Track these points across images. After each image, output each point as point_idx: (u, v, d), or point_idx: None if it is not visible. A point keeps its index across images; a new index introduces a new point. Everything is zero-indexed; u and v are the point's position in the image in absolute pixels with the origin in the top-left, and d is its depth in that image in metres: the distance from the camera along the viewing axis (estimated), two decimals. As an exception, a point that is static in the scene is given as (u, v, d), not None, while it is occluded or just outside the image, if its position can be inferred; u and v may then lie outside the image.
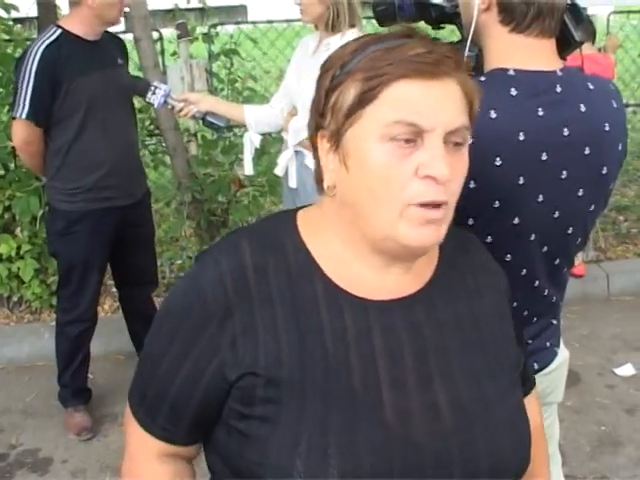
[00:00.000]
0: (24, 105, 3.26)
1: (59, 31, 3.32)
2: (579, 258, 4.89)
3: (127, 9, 3.93)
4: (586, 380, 3.97)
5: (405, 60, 1.05)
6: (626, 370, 4.01)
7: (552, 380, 1.93)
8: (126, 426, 1.26)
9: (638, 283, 4.94)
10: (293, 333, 1.10)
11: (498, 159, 1.53)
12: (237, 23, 5.14)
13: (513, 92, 1.54)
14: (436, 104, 1.05)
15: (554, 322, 1.91)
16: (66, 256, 3.55)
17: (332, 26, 3.22)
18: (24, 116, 3.29)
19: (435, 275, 1.21)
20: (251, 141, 3.56)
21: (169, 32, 5.16)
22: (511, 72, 1.56)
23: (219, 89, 4.89)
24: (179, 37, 4.61)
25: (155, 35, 4.73)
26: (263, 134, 3.66)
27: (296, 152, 3.39)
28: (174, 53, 4.88)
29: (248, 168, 3.65)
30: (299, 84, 3.31)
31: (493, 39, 1.62)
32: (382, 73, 1.05)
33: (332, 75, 1.10)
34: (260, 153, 4.21)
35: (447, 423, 1.11)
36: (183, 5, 5.18)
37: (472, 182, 1.53)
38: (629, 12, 6.27)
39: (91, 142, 3.39)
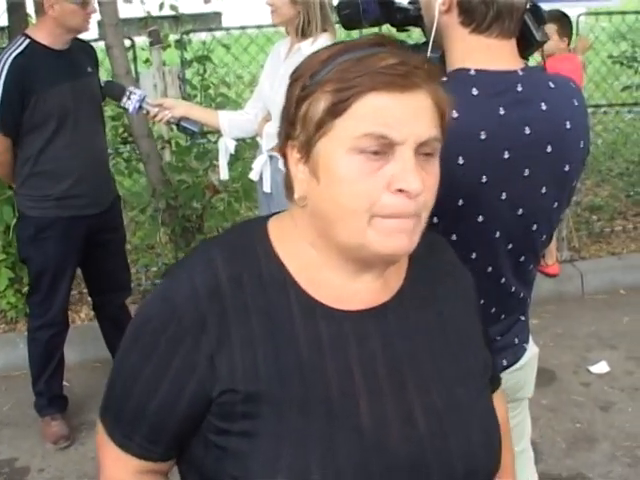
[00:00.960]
0: None
1: (27, 41, 3.34)
2: (553, 257, 4.94)
3: (99, 17, 3.94)
4: (561, 378, 4.01)
5: (375, 72, 1.04)
6: (600, 367, 4.05)
7: (522, 376, 1.96)
8: (100, 445, 1.24)
9: (612, 281, 4.99)
10: (269, 346, 1.10)
11: (460, 158, 1.55)
12: (210, 30, 5.14)
13: (474, 92, 1.56)
14: (407, 116, 1.05)
15: (522, 318, 1.94)
16: (36, 262, 3.56)
17: (302, 31, 3.23)
18: None
19: (405, 283, 1.22)
20: (226, 146, 3.57)
21: (142, 40, 5.16)
22: (472, 72, 1.58)
23: (192, 96, 4.90)
24: (151, 44, 4.61)
25: (128, 43, 4.73)
26: (238, 140, 3.67)
27: (270, 157, 3.41)
28: (147, 60, 4.88)
29: (223, 173, 3.67)
30: (272, 89, 3.33)
31: (454, 40, 1.64)
32: (352, 85, 1.04)
33: (302, 84, 1.09)
34: (234, 159, 4.22)
35: (422, 429, 1.12)
36: (156, 13, 5.19)
37: (436, 181, 1.56)
38: (597, 14, 6.34)
39: (59, 152, 3.40)
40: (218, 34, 5.58)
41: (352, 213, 1.06)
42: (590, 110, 6.50)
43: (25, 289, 4.43)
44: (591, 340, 4.38)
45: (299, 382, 1.09)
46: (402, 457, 1.09)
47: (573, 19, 5.60)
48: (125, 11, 4.96)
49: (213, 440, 1.11)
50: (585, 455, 3.38)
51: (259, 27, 4.92)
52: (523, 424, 2.11)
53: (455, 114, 1.55)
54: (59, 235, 3.47)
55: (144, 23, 5.16)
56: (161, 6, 5.09)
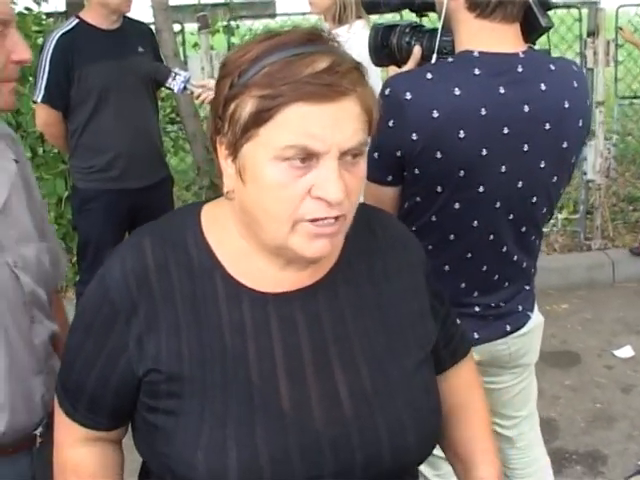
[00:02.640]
0: (41, 90, 3.57)
1: (76, 21, 3.58)
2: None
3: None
4: (585, 361, 4.10)
5: (301, 81, 1.02)
6: (625, 352, 4.13)
7: (525, 342, 2.07)
8: (55, 413, 1.30)
9: (644, 270, 5.06)
10: (193, 329, 1.13)
11: (462, 132, 1.69)
12: (255, 17, 5.30)
13: (476, 72, 1.70)
14: (331, 126, 1.03)
15: (527, 287, 2.05)
16: (82, 232, 3.84)
17: (339, 18, 3.38)
18: (40, 100, 3.60)
19: (338, 263, 1.22)
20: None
21: (193, 26, 5.35)
22: (476, 54, 1.72)
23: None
24: (200, 29, 4.80)
25: (177, 27, 4.93)
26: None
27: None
28: (195, 44, 5.07)
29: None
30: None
31: (461, 24, 1.77)
32: (277, 94, 1.02)
33: (230, 82, 1.07)
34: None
35: (347, 410, 1.14)
36: (207, 0, 5.38)
37: (438, 153, 1.70)
38: (637, 5, 6.33)
39: (102, 126, 3.61)
40: (273, 20, 5.73)
41: (276, 218, 1.07)
42: (639, 101, 6.52)
43: (75, 259, 4.66)
44: (618, 325, 4.46)
45: (221, 366, 1.12)
46: (324, 437, 1.12)
47: (612, 11, 5.66)
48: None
49: (145, 417, 1.17)
50: (603, 433, 3.48)
51: (303, 14, 5.07)
52: (528, 389, 2.21)
53: (457, 91, 1.70)
54: (102, 207, 3.71)
55: (194, 9, 5.35)
56: (211, -7, 5.28)
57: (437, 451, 1.35)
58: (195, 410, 1.11)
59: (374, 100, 1.11)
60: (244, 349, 1.14)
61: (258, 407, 1.11)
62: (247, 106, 1.05)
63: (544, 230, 5.47)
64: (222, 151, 1.12)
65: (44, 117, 3.68)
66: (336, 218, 1.07)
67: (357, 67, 1.08)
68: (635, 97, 6.46)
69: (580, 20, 5.46)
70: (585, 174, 5.17)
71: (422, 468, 1.92)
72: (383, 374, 1.18)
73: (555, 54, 6.27)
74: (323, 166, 1.04)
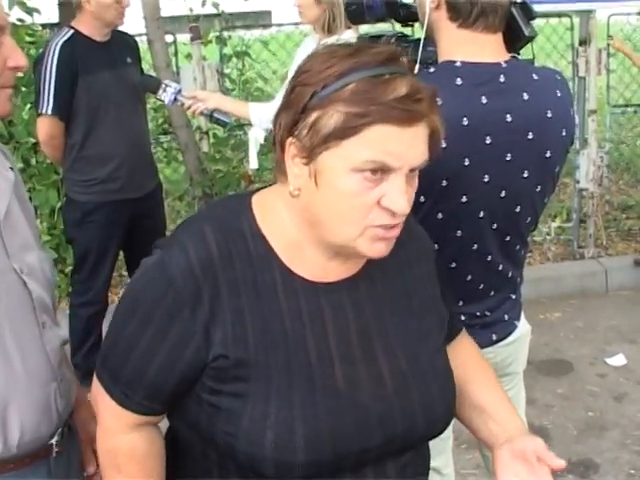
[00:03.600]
0: (49, 101, 3.49)
1: (72, 31, 3.57)
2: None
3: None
4: (578, 369, 4.10)
5: (388, 105, 1.12)
6: (618, 360, 4.13)
7: (511, 351, 2.07)
8: (96, 398, 1.34)
9: (636, 278, 5.06)
10: (256, 316, 1.22)
11: (444, 142, 1.67)
12: (247, 27, 5.33)
13: (458, 82, 1.70)
14: (407, 147, 1.15)
15: (513, 297, 2.05)
16: (81, 244, 3.80)
17: (329, 28, 3.38)
18: (49, 112, 3.51)
19: None
20: (256, 137, 3.74)
21: (185, 36, 5.38)
22: (458, 64, 1.72)
23: (230, 89, 5.08)
24: (192, 39, 4.82)
25: (170, 38, 4.94)
26: (269, 130, 3.84)
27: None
28: (188, 55, 5.08)
29: (253, 163, 3.84)
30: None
31: (444, 34, 1.78)
32: (365, 114, 1.12)
33: (313, 91, 1.16)
34: (267, 150, 4.39)
35: (389, 388, 1.27)
36: (202, 11, 5.40)
37: (421, 163, 1.70)
38: (628, 14, 6.36)
39: (103, 137, 3.61)
40: (267, 31, 5.76)
41: (347, 222, 1.18)
42: (632, 109, 6.55)
43: (68, 269, 4.66)
44: (610, 334, 4.46)
45: (283, 349, 1.22)
46: (373, 413, 1.24)
47: (604, 19, 5.67)
48: (171, 9, 5.19)
49: (207, 399, 1.23)
50: (595, 442, 3.47)
51: (296, 24, 5.09)
52: (517, 398, 2.20)
53: (439, 101, 1.69)
54: (103, 219, 3.70)
55: (187, 20, 5.37)
56: (203, 3, 5.29)
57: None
58: (261, 392, 1.20)
59: (441, 126, 1.24)
60: (303, 334, 1.24)
61: (318, 387, 1.22)
62: (332, 119, 1.14)
63: (537, 239, 5.46)
64: (290, 150, 1.20)
65: (49, 129, 3.60)
66: (397, 225, 1.21)
67: (434, 94, 1.21)
68: (627, 105, 6.48)
69: (572, 29, 5.48)
70: (578, 182, 5.18)
71: None
72: (414, 355, 1.32)
73: (547, 63, 6.32)
74: (394, 180, 1.16)
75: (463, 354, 1.52)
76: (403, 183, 1.17)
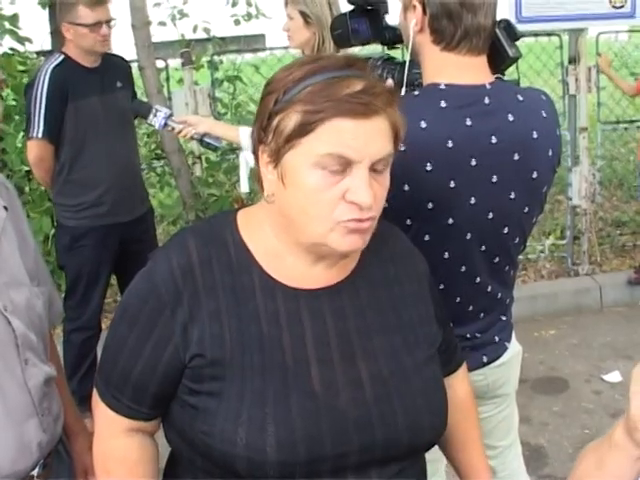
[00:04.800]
0: (39, 125, 3.53)
1: (62, 57, 3.61)
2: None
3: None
4: (574, 386, 4.10)
5: (341, 99, 1.18)
6: (613, 377, 4.12)
7: (503, 373, 2.06)
8: (94, 407, 1.41)
9: (631, 295, 5.06)
10: (233, 318, 1.27)
11: (429, 165, 1.69)
12: (238, 52, 5.36)
13: (443, 104, 1.71)
14: (365, 140, 1.19)
15: (503, 318, 2.04)
16: (72, 269, 3.80)
17: (317, 50, 3.40)
18: (40, 135, 3.55)
19: (358, 266, 1.38)
20: (246, 160, 3.74)
21: (177, 61, 5.41)
22: (442, 86, 1.73)
23: (222, 114, 5.10)
24: (183, 65, 4.84)
25: (162, 64, 4.97)
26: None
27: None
28: (180, 80, 5.11)
29: (244, 186, 3.83)
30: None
31: (428, 57, 1.79)
32: (320, 109, 1.18)
33: (276, 98, 1.23)
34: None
35: (368, 393, 1.28)
36: (194, 36, 5.44)
37: (406, 185, 1.71)
38: (617, 32, 6.40)
39: (91, 161, 3.63)
40: (260, 54, 5.79)
41: (315, 218, 1.22)
42: (623, 126, 6.58)
43: (63, 296, 4.65)
44: (606, 350, 4.46)
45: (259, 350, 1.26)
46: (350, 418, 1.25)
47: (593, 37, 5.72)
48: (163, 34, 5.22)
49: (187, 400, 1.28)
50: (592, 460, 3.46)
51: (286, 48, 5.11)
52: (510, 419, 2.20)
53: (424, 124, 1.71)
54: (94, 244, 3.71)
55: (179, 45, 5.40)
56: (194, 29, 5.32)
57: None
58: (236, 391, 1.24)
59: (401, 120, 1.27)
60: (279, 336, 1.27)
61: (293, 388, 1.24)
62: (291, 120, 1.20)
63: (531, 256, 5.46)
64: (264, 159, 1.26)
65: (38, 152, 3.63)
66: (367, 219, 1.23)
67: (389, 90, 1.25)
68: (618, 122, 6.51)
69: (561, 47, 5.52)
70: (571, 199, 5.19)
71: None
72: (398, 364, 1.33)
73: (537, 81, 6.34)
74: (356, 174, 1.20)
75: (456, 395, 1.55)
76: (366, 176, 1.20)
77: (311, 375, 1.26)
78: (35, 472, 1.49)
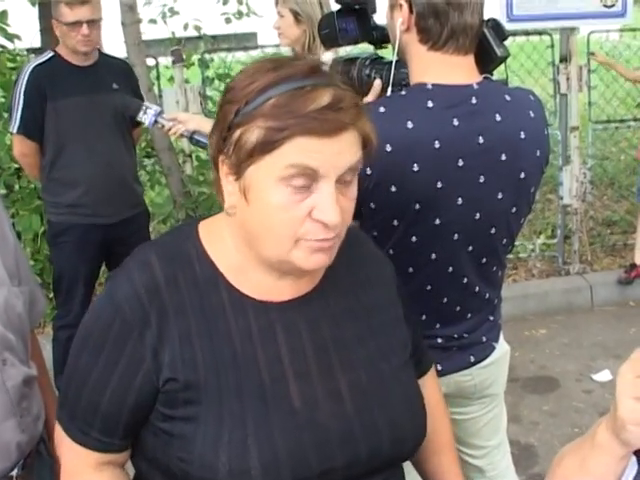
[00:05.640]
0: (16, 120, 3.61)
1: (51, 55, 3.63)
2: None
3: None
4: (564, 386, 4.10)
5: (307, 116, 1.10)
6: (603, 376, 4.12)
7: (490, 373, 2.06)
8: (58, 442, 1.33)
9: (622, 294, 5.07)
10: (205, 338, 1.20)
11: (415, 165, 1.68)
12: (229, 50, 5.35)
13: (429, 104, 1.70)
14: (331, 157, 1.12)
15: (491, 318, 2.03)
16: (56, 263, 3.86)
17: (308, 49, 3.39)
18: (15, 130, 3.64)
19: (327, 273, 1.31)
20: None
21: (167, 59, 5.40)
22: (429, 86, 1.72)
23: (213, 112, 5.09)
24: (174, 63, 4.83)
25: (152, 62, 4.95)
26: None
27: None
28: (171, 78, 5.09)
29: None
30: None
31: (414, 57, 1.78)
32: (284, 127, 1.10)
33: (237, 109, 1.14)
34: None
35: (349, 406, 1.24)
36: (185, 34, 5.42)
37: (393, 187, 1.70)
38: (607, 31, 6.39)
39: (72, 161, 3.64)
40: (251, 52, 5.77)
41: (279, 236, 1.16)
42: (614, 125, 6.59)
43: (52, 295, 4.64)
44: (596, 349, 4.46)
45: (234, 371, 1.20)
46: (332, 431, 1.21)
47: (584, 37, 5.71)
48: (153, 32, 5.21)
49: (161, 427, 1.21)
50: (581, 459, 3.46)
51: (277, 46, 5.09)
52: (498, 419, 2.19)
53: (410, 125, 1.70)
54: (73, 241, 3.72)
55: (169, 43, 5.38)
56: (185, 26, 5.31)
57: None
58: (213, 414, 1.18)
59: (371, 129, 1.20)
60: (254, 354, 1.21)
61: (272, 407, 1.19)
62: (254, 134, 1.12)
63: (522, 256, 5.46)
64: (224, 169, 1.18)
65: (20, 147, 3.73)
66: (331, 238, 1.17)
67: (357, 103, 1.18)
68: (609, 121, 6.51)
69: (552, 46, 5.52)
70: (562, 199, 5.20)
71: None
72: (375, 371, 1.29)
73: (528, 80, 6.33)
74: (322, 191, 1.13)
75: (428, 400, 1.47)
76: (333, 194, 1.13)
77: (290, 391, 1.21)
78: (14, 472, 1.47)
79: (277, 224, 1.15)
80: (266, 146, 1.11)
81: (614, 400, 1.05)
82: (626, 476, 1.10)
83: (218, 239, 1.27)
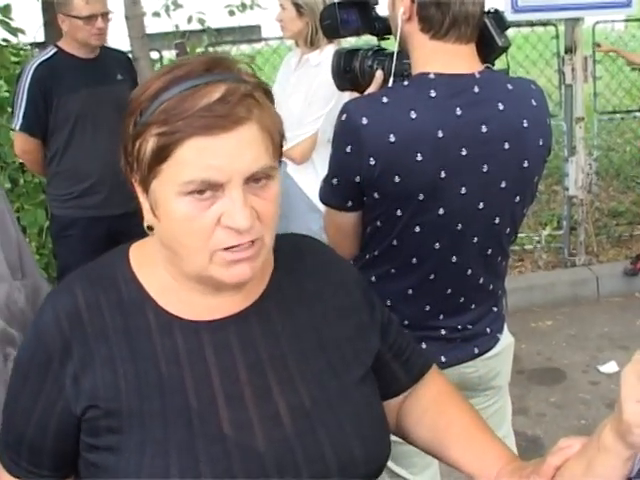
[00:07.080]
0: (19, 118, 3.62)
1: (54, 50, 3.63)
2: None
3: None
4: (571, 377, 4.09)
5: (196, 115, 1.03)
6: (610, 367, 4.10)
7: (494, 365, 2.05)
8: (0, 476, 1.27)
9: (628, 285, 5.05)
10: (128, 362, 1.14)
11: (419, 155, 1.68)
12: (233, 43, 5.34)
13: (432, 94, 1.69)
14: (230, 156, 1.04)
15: (495, 309, 2.02)
16: (61, 258, 3.88)
17: (311, 42, 3.38)
18: (18, 128, 3.66)
19: (269, 287, 1.23)
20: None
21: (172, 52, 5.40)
22: (431, 76, 1.71)
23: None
24: (178, 56, 4.82)
25: (156, 55, 4.94)
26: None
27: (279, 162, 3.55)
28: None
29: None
30: (282, 96, 3.48)
31: (416, 46, 1.77)
32: (174, 131, 1.03)
33: (134, 121, 1.09)
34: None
35: (288, 429, 1.14)
36: (190, 27, 5.42)
37: (396, 177, 1.69)
38: (613, 21, 6.38)
39: (79, 154, 3.64)
40: (255, 45, 5.76)
41: (192, 250, 1.09)
42: (619, 116, 6.57)
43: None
44: (603, 341, 4.44)
45: (158, 395, 1.12)
46: (269, 460, 1.12)
47: (589, 27, 5.69)
48: (158, 26, 5.20)
49: (87, 458, 1.16)
50: (587, 450, 3.45)
51: (281, 39, 5.09)
52: (502, 411, 2.18)
53: (413, 115, 1.69)
54: (79, 234, 3.72)
55: (173, 37, 5.38)
56: (189, 20, 5.30)
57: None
58: (136, 443, 1.10)
59: (276, 121, 1.11)
60: (180, 377, 1.14)
61: (198, 432, 1.11)
62: (149, 144, 1.06)
63: (528, 247, 5.45)
64: (137, 187, 1.13)
65: (22, 145, 3.75)
66: (252, 242, 1.09)
67: (251, 93, 1.08)
68: (615, 112, 6.49)
69: (557, 37, 5.49)
70: (567, 190, 5.17)
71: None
72: (322, 391, 1.18)
73: (533, 71, 6.31)
74: (228, 195, 1.05)
75: (433, 389, 1.40)
76: (239, 197, 1.05)
77: (219, 415, 1.13)
78: None
79: (187, 236, 1.08)
80: (160, 155, 1.05)
81: (618, 403, 1.03)
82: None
83: (149, 261, 1.21)
